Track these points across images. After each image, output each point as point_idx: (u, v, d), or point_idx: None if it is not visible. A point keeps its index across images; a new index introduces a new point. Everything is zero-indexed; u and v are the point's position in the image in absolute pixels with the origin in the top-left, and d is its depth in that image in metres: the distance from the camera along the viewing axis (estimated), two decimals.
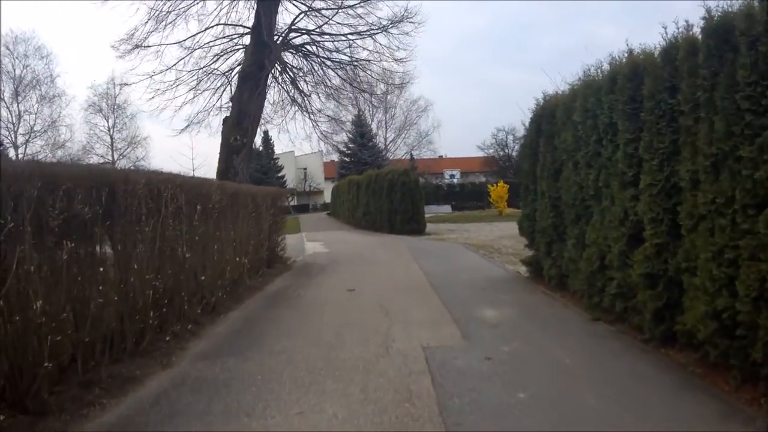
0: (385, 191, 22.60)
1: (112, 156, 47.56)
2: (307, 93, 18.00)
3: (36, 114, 40.85)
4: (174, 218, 6.71)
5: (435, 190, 48.08)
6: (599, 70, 6.91)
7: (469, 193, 50.24)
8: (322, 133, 19.03)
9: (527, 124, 9.48)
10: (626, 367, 4.78)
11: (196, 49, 18.64)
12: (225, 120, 16.88)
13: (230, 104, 17.48)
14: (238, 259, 9.35)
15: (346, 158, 57.29)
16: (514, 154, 63.82)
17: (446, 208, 44.03)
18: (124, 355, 5.57)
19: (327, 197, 57.57)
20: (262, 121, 19.30)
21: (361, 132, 55.97)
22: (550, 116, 8.29)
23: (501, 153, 64.99)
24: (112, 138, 48.24)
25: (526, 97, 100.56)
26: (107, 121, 47.57)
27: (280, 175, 68.42)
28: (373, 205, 24.26)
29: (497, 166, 63.79)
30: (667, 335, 5.28)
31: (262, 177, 65.66)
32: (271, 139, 67.50)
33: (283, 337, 6.30)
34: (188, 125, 20.52)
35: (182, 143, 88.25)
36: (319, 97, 18.43)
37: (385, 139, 62.83)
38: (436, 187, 50.32)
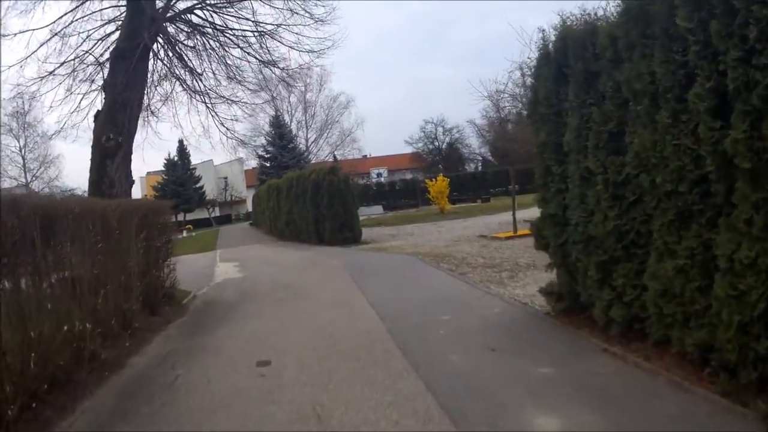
0: (309, 195, 18.75)
1: (26, 177, 44.84)
2: (200, 72, 13.83)
3: None
4: None
5: (363, 191, 44.67)
6: None
7: (400, 191, 47.40)
8: (222, 123, 14.74)
9: (533, 70, 6.13)
10: None
11: (67, 33, 14.10)
12: (96, 115, 12.52)
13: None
14: (66, 327, 5.41)
15: (266, 163, 52.97)
16: (443, 147, 61.58)
17: (377, 209, 40.73)
18: None
19: (250, 206, 53.19)
20: (148, 115, 15.07)
21: (280, 133, 51.79)
22: (580, 48, 4.93)
23: (431, 146, 62.41)
24: (24, 159, 45.29)
25: (447, 90, 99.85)
26: (18, 141, 44.41)
27: (198, 186, 63.19)
28: (297, 212, 20.36)
29: (424, 162, 61.35)
30: None
31: (178, 189, 60.14)
32: (186, 149, 62.17)
33: None
34: (61, 129, 16.02)
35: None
36: (216, 78, 14.24)
37: (307, 140, 58.89)
38: (364, 187, 46.91)
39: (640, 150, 4.07)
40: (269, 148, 51.95)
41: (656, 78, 3.84)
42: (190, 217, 61.68)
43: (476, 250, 12.84)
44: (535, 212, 6.37)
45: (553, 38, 5.52)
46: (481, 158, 65.75)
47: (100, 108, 12.58)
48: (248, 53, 13.42)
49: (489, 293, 7.68)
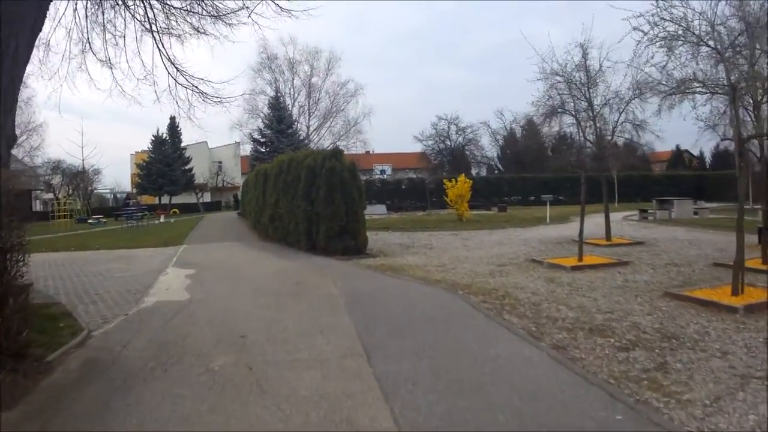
0: (302, 184, 14.16)
1: None
2: None
3: None
4: None
5: (366, 187, 40.13)
6: None
7: (406, 190, 42.93)
8: (171, 60, 9.79)
9: None
10: None
11: None
12: None
13: None
14: None
15: (260, 147, 48.18)
16: (455, 147, 57.26)
17: (381, 209, 36.21)
18: None
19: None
20: (80, 55, 10.27)
21: (279, 116, 47.07)
22: None
23: (441, 145, 57.95)
24: None
25: (456, 93, 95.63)
26: None
27: (187, 167, 58.51)
28: (284, 207, 15.76)
29: (429, 163, 57.15)
30: None
31: (164, 169, 55.41)
32: (178, 127, 57.52)
33: None
34: None
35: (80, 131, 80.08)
36: None
37: (308, 127, 54.19)
38: (367, 182, 42.38)
39: None
40: (265, 131, 47.23)
41: None
42: (176, 200, 57.17)
43: (544, 288, 8.38)
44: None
45: None
46: (491, 163, 61.75)
47: None
48: None
49: None
